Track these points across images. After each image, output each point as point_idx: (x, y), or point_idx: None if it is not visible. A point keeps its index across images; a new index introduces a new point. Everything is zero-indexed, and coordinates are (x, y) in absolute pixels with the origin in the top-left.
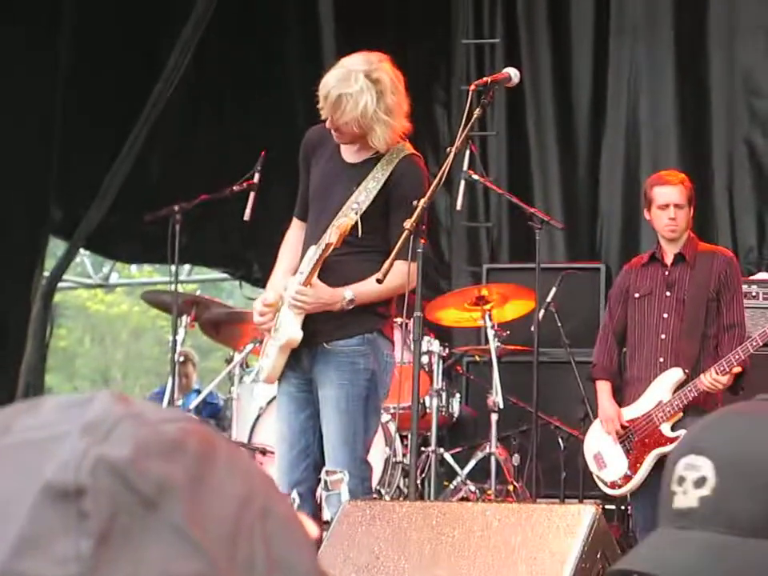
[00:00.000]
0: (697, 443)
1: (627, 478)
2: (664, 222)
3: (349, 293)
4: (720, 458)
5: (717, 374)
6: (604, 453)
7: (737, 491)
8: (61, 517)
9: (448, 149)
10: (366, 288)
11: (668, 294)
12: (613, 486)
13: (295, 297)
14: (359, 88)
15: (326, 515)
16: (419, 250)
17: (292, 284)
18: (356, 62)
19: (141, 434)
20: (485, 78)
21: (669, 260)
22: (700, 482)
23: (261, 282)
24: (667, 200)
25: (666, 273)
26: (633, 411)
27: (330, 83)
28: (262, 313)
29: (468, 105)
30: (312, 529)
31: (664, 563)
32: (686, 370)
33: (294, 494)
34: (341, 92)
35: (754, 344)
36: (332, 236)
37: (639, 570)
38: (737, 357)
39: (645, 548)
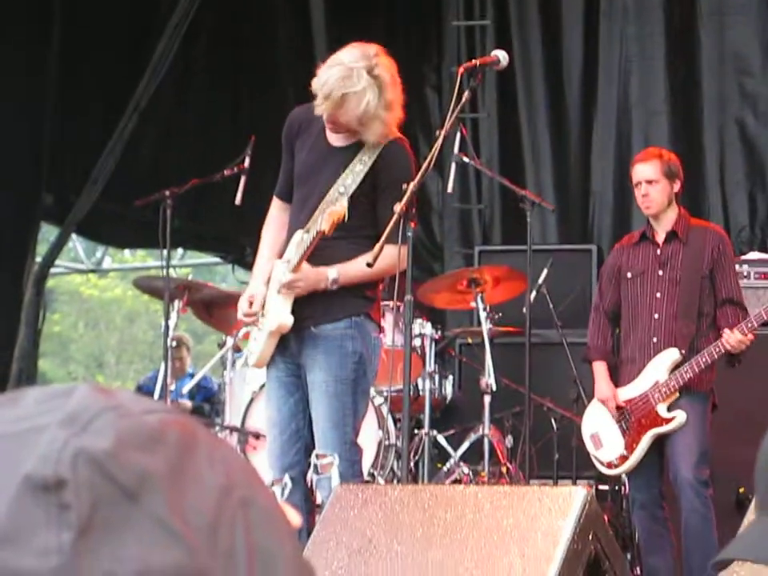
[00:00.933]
0: None
1: (623, 458)
2: (639, 200)
3: (333, 272)
4: None
5: (742, 334)
6: (601, 433)
7: None
8: (41, 509)
9: (437, 131)
10: (352, 268)
11: (660, 272)
12: (609, 466)
13: (285, 285)
14: (362, 86)
15: (318, 498)
16: (409, 234)
17: (278, 269)
18: (355, 58)
19: (121, 426)
20: (473, 61)
21: (660, 238)
22: None
23: (253, 266)
24: (639, 177)
25: (658, 251)
26: (629, 391)
27: (332, 82)
28: (247, 314)
29: (457, 88)
30: (294, 518)
31: None
32: (683, 351)
33: (286, 478)
34: (345, 91)
35: None
36: (323, 223)
37: (746, 559)
38: (759, 317)
39: (749, 536)
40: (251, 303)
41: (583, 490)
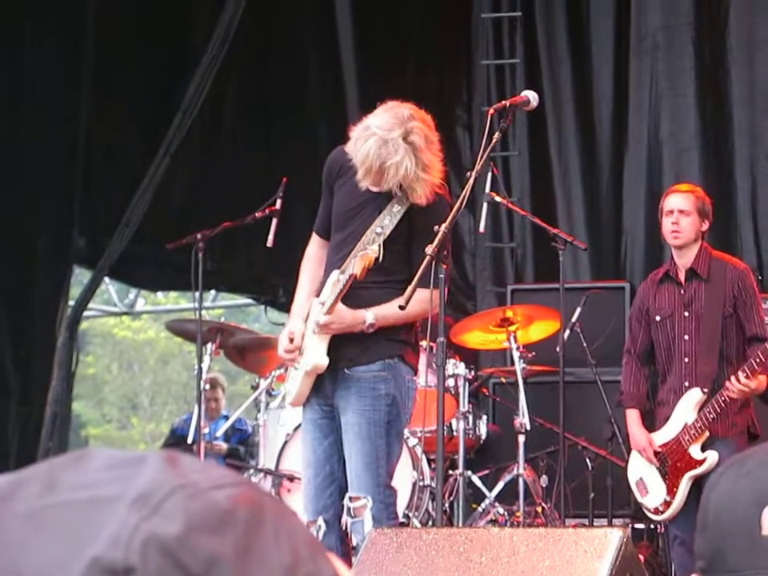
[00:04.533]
0: None
1: (667, 504)
2: (668, 228)
3: (370, 315)
4: None
5: (743, 377)
6: (645, 479)
7: None
8: None
9: (468, 173)
10: (387, 311)
11: (686, 314)
12: (656, 512)
13: (320, 327)
14: (401, 156)
15: (353, 542)
16: (441, 276)
17: (315, 310)
18: (389, 126)
19: (191, 508)
20: (503, 102)
21: (683, 276)
22: None
23: (286, 307)
24: (672, 206)
25: (682, 291)
26: (663, 436)
27: (371, 155)
28: (288, 349)
29: (488, 128)
30: None
31: None
32: (704, 390)
33: (320, 521)
34: (383, 162)
35: None
36: (355, 267)
37: None
38: (758, 359)
39: None
40: (291, 340)
41: (619, 532)
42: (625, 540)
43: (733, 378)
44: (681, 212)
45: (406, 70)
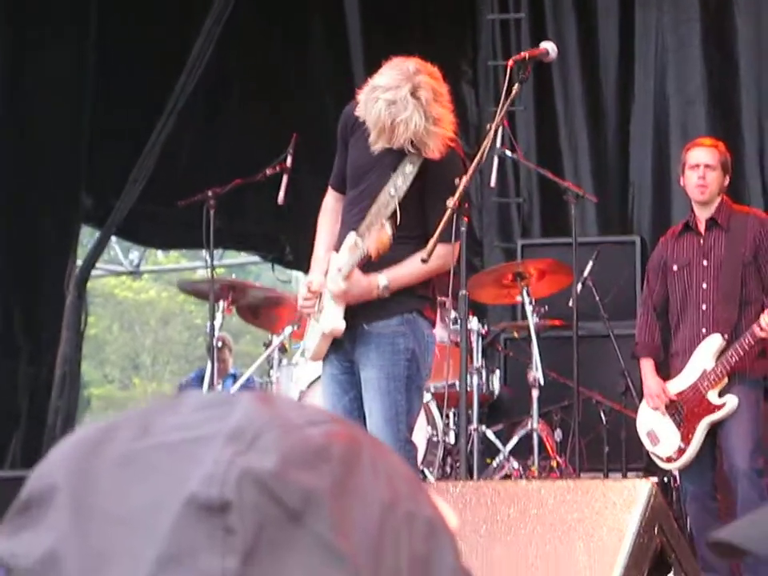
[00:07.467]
0: None
1: (681, 451)
2: (694, 182)
3: (383, 279)
4: None
5: None
6: (656, 429)
7: None
8: (205, 531)
9: (488, 125)
10: (402, 272)
11: (705, 262)
12: (669, 460)
13: (337, 295)
14: (410, 112)
15: None
16: (463, 229)
17: (332, 273)
18: (396, 84)
19: (286, 443)
20: (522, 54)
21: (702, 227)
22: None
23: (293, 264)
24: (697, 160)
25: (701, 241)
26: (679, 383)
27: (382, 115)
28: (306, 297)
29: (507, 81)
30: (453, 520)
31: None
32: (725, 336)
33: None
34: (393, 119)
35: None
36: (371, 245)
37: (744, 548)
38: None
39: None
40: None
41: (648, 483)
42: (654, 491)
43: (762, 318)
44: (707, 166)
45: (412, 26)
